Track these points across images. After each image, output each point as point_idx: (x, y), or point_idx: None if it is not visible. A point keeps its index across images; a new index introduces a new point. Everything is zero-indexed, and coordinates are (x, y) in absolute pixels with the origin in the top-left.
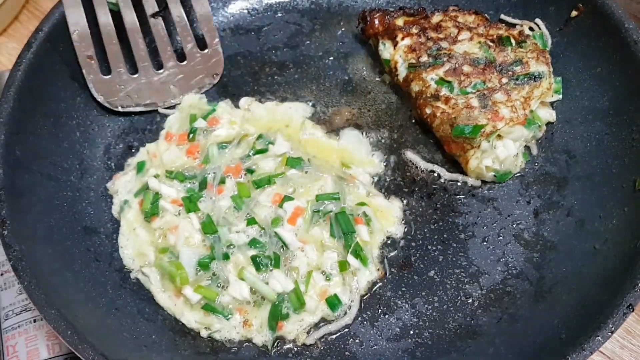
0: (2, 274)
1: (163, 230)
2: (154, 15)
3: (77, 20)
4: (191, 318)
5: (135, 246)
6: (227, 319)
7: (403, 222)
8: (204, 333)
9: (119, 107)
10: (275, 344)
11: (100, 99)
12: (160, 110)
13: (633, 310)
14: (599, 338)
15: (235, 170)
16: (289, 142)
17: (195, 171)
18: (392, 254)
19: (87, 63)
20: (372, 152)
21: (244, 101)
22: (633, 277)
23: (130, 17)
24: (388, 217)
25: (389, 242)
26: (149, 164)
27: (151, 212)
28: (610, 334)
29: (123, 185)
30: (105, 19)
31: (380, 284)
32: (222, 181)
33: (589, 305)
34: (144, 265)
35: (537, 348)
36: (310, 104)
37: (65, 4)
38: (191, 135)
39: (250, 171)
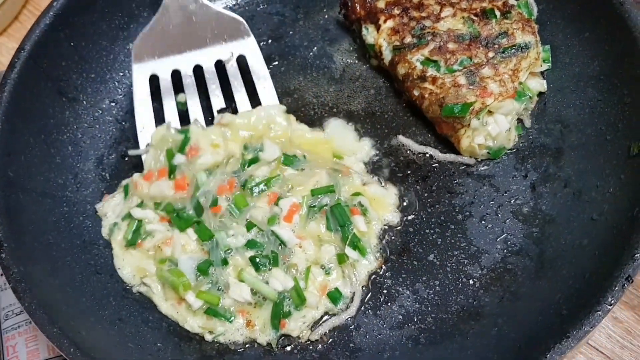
0: (1, 275)
1: (156, 246)
2: (220, 111)
3: (145, 114)
4: (194, 324)
5: (133, 264)
6: (230, 322)
7: (399, 208)
8: (208, 337)
9: None
10: (280, 342)
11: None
12: (131, 152)
13: (632, 282)
14: (599, 313)
15: (229, 188)
16: (277, 144)
17: (186, 202)
18: (390, 241)
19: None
20: (360, 137)
21: (218, 117)
22: (631, 248)
23: (196, 114)
24: (384, 205)
25: (386, 228)
26: (132, 192)
27: (131, 242)
28: (609, 307)
29: (112, 208)
30: (172, 114)
31: (380, 272)
32: (215, 203)
33: (590, 278)
34: (144, 276)
35: (540, 326)
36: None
37: (136, 102)
38: (172, 176)
39: (244, 185)
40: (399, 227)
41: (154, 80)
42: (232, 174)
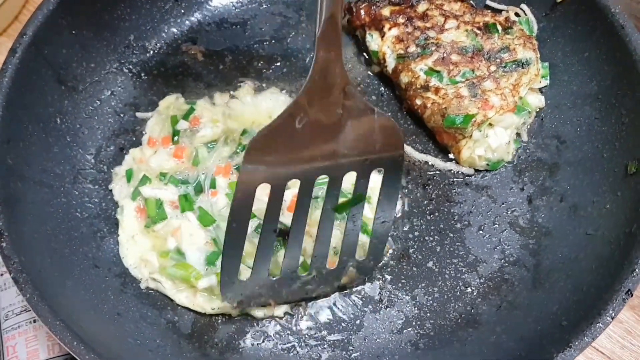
0: (1, 275)
1: (164, 234)
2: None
3: None
4: (215, 304)
5: (137, 254)
6: None
7: (399, 199)
8: (235, 312)
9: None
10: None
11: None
12: (138, 114)
13: (632, 295)
14: (600, 324)
15: (225, 171)
16: None
17: (188, 173)
18: (390, 246)
19: None
20: None
21: (218, 97)
22: (630, 263)
23: None
24: None
25: None
26: (136, 170)
27: (159, 217)
28: (610, 319)
29: (117, 194)
30: None
31: (381, 277)
32: (213, 184)
33: (587, 292)
34: (153, 272)
35: (539, 335)
36: (285, 92)
37: None
38: (175, 138)
39: (238, 168)
40: (400, 234)
41: None
42: (228, 158)
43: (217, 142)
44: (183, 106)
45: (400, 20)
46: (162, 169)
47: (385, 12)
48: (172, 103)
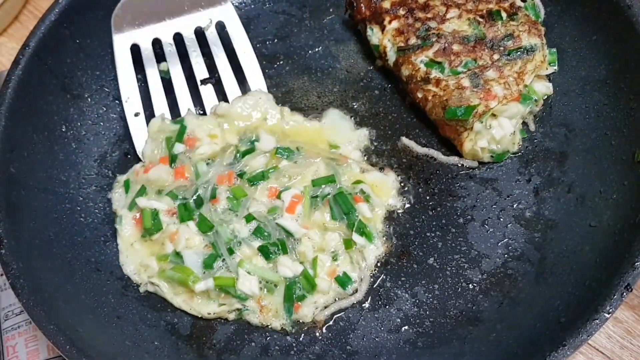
0: (1, 275)
1: (161, 239)
2: (203, 82)
3: (129, 83)
4: (211, 309)
5: (137, 260)
6: (245, 300)
7: (401, 192)
8: (231, 316)
9: None
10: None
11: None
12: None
13: (631, 290)
14: (597, 321)
15: (228, 179)
16: (273, 135)
17: (187, 189)
18: (394, 228)
19: (134, 121)
20: (357, 127)
21: (213, 107)
22: (631, 256)
23: (179, 82)
24: (385, 190)
25: (391, 213)
26: (134, 181)
27: (155, 229)
28: (607, 315)
29: (116, 202)
30: (155, 83)
31: (383, 271)
32: (213, 194)
33: (590, 286)
34: (152, 275)
35: (537, 333)
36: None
37: (119, 73)
38: (173, 164)
39: (241, 175)
40: (401, 231)
41: (135, 50)
42: (229, 166)
43: (216, 157)
44: (172, 127)
45: (401, 12)
46: (160, 184)
47: (386, 4)
48: (160, 126)
